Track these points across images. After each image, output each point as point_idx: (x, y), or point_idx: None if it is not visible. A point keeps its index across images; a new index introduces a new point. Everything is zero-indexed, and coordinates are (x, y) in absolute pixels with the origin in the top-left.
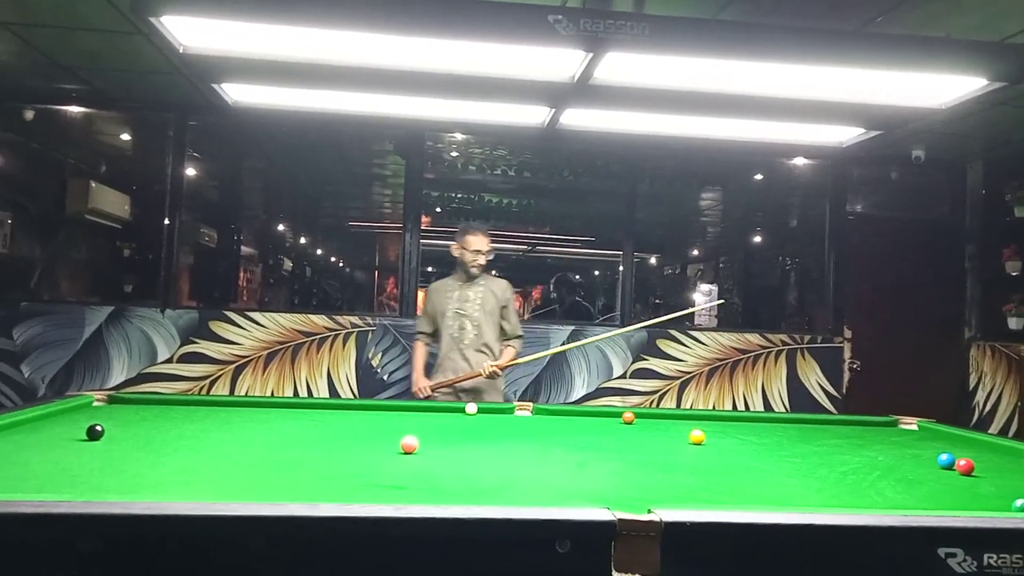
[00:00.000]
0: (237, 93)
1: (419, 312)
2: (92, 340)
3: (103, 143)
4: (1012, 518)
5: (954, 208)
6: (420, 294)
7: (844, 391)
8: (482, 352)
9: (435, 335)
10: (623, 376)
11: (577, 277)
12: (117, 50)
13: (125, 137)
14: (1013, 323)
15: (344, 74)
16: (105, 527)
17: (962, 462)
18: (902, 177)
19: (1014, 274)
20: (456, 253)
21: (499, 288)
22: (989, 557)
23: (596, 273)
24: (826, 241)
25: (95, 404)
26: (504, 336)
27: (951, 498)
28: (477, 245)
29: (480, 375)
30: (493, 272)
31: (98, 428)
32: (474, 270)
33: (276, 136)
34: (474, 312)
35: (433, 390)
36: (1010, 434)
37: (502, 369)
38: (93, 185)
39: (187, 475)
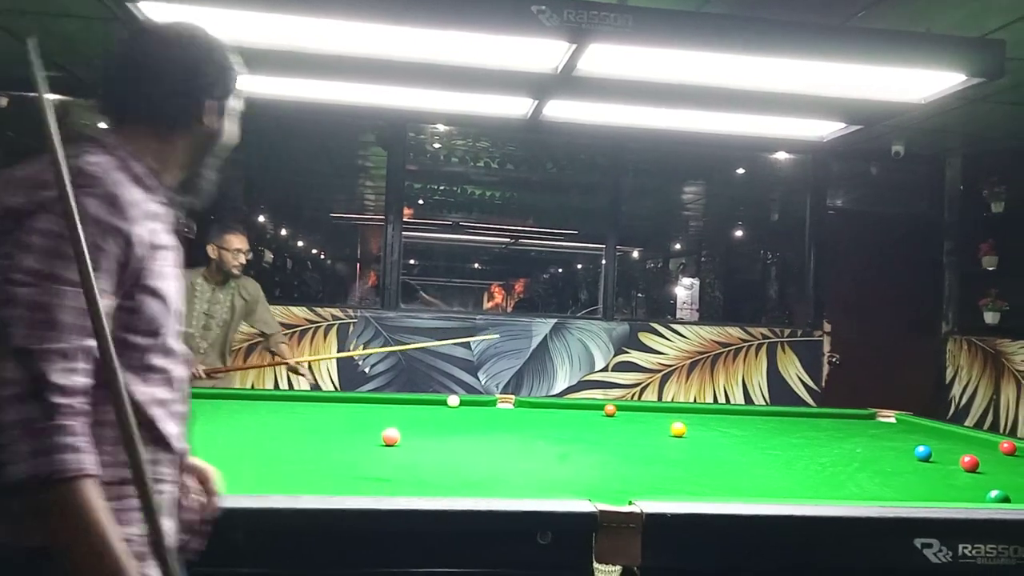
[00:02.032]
0: None
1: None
2: None
3: (81, 132)
4: (986, 509)
5: (932, 203)
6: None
7: (823, 384)
8: (212, 355)
9: None
10: (605, 369)
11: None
12: (95, 37)
13: (102, 126)
14: (989, 317)
15: (325, 63)
16: None
17: (966, 459)
18: (882, 172)
19: (990, 269)
20: (213, 254)
21: (250, 288)
22: (964, 547)
23: (579, 266)
24: (806, 235)
25: None
26: (269, 332)
27: (927, 490)
28: (238, 244)
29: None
30: (251, 273)
31: None
32: (234, 271)
33: (256, 126)
34: (223, 315)
35: (208, 375)
36: (985, 426)
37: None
38: None
39: None
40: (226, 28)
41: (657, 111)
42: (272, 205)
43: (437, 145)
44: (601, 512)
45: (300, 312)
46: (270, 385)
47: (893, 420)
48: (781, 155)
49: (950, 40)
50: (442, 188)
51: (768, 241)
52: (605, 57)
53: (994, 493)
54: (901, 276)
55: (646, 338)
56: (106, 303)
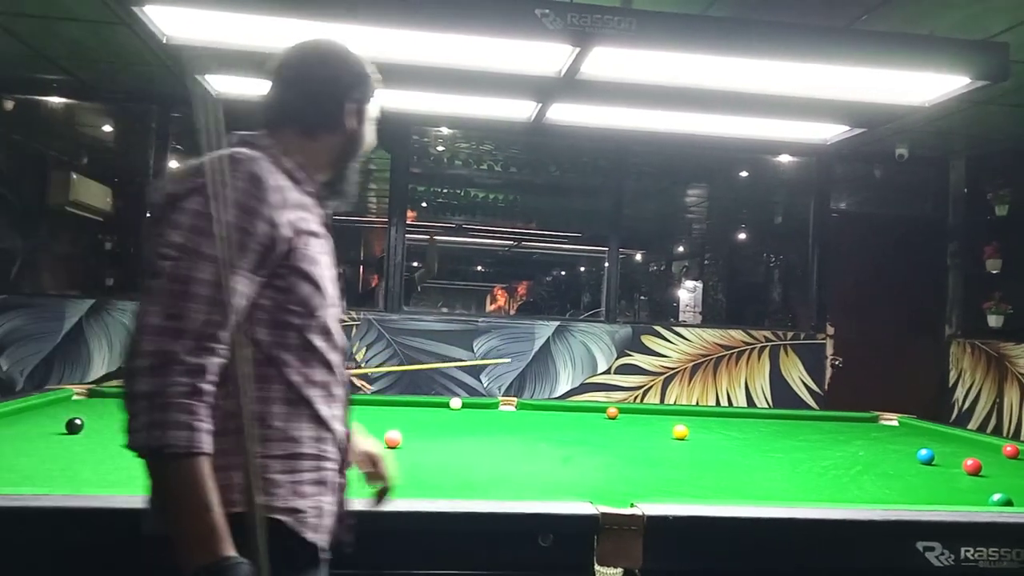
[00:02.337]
0: (221, 85)
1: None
2: (72, 333)
3: (85, 135)
4: (989, 512)
5: (936, 206)
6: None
7: (826, 387)
8: None
9: None
10: (607, 372)
11: None
12: (100, 40)
13: (107, 129)
14: (993, 320)
15: None
16: (85, 521)
17: (969, 462)
18: (886, 175)
19: (994, 272)
20: None
21: None
22: (966, 551)
23: (582, 269)
24: (810, 238)
25: (75, 398)
26: None
27: (930, 493)
28: None
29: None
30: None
31: (77, 422)
32: None
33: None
34: None
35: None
36: (988, 430)
37: None
38: (75, 177)
39: None
40: (230, 32)
41: (660, 114)
42: None
43: (441, 148)
44: (603, 514)
45: None
46: None
47: (896, 423)
48: (784, 158)
49: (954, 43)
50: (445, 191)
51: (771, 244)
52: (608, 60)
53: (997, 496)
54: (905, 279)
55: (649, 341)
56: (250, 281)
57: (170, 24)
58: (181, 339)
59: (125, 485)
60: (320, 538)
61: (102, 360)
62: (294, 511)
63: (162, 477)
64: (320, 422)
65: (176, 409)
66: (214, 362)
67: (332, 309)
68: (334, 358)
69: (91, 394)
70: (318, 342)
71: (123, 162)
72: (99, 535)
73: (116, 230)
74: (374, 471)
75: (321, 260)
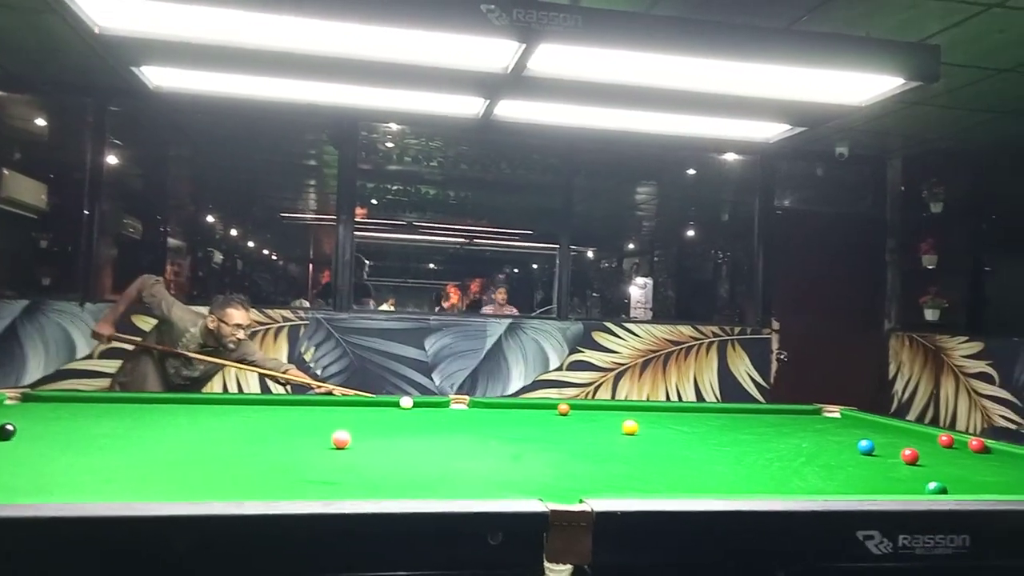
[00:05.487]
0: (159, 77)
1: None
2: (5, 336)
3: (17, 128)
4: (924, 501)
5: (875, 203)
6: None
7: (772, 381)
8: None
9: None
10: (559, 368)
11: None
12: (30, 29)
13: (41, 122)
14: (929, 314)
15: (272, 59)
16: (15, 530)
17: (907, 452)
18: (827, 173)
19: (930, 267)
20: (212, 325)
21: (241, 347)
22: (904, 538)
23: (535, 266)
24: (755, 235)
25: (7, 403)
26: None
27: (869, 483)
28: (239, 319)
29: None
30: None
31: (9, 427)
32: (231, 346)
33: (203, 124)
34: (202, 367)
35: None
36: (927, 420)
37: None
38: (6, 172)
39: (105, 475)
40: (168, 22)
41: (608, 112)
42: (222, 205)
43: (390, 144)
44: (552, 511)
45: (251, 314)
46: (217, 388)
47: (838, 415)
48: (730, 156)
49: (889, 45)
50: (395, 188)
51: (719, 241)
52: (556, 57)
53: (932, 485)
54: (846, 275)
55: (600, 337)
56: None
57: (102, 13)
58: None
59: (59, 492)
60: None
61: (38, 363)
62: None
63: None
64: None
65: None
66: None
67: None
68: None
69: (25, 398)
70: None
71: (58, 157)
72: (31, 545)
73: (52, 228)
74: None
75: None
